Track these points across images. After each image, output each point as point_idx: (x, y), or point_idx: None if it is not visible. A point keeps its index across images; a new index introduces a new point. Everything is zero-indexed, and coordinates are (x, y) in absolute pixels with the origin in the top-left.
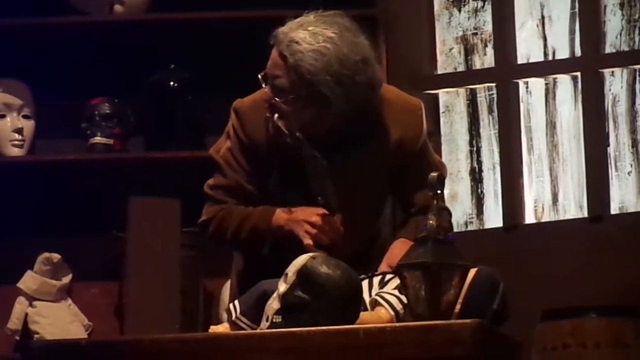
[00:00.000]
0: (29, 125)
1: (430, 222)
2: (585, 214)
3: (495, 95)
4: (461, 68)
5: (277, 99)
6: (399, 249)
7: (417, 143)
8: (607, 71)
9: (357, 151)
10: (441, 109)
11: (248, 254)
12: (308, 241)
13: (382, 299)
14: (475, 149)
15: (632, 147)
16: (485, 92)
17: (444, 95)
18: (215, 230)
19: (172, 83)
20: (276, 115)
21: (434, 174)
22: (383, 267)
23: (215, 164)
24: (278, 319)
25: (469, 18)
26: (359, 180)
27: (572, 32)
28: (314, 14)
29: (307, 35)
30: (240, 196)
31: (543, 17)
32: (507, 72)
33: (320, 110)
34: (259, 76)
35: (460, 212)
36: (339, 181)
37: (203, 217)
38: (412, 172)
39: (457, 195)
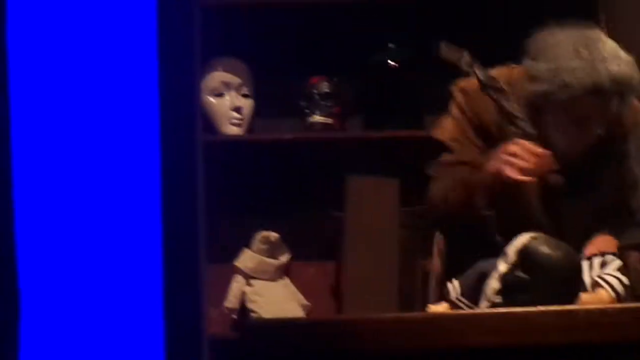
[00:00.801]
0: (247, 104)
1: None
2: None
3: None
4: None
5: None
6: (604, 239)
7: (631, 139)
8: None
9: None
10: None
11: (466, 219)
12: (509, 172)
13: (603, 280)
14: None
15: None
16: None
17: None
18: (438, 198)
19: (391, 63)
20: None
21: None
22: (591, 249)
23: (442, 144)
24: (498, 299)
25: None
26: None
27: None
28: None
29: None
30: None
31: None
32: None
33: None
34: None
35: None
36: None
37: (430, 192)
38: (622, 173)
39: None
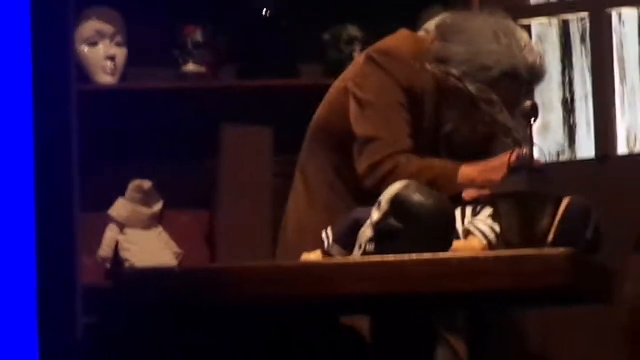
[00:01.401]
0: (121, 53)
1: (524, 151)
2: None
3: (588, 25)
4: None
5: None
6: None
7: None
8: None
9: None
10: (534, 39)
11: None
12: None
13: (475, 227)
14: (567, 79)
15: None
16: (578, 22)
17: (536, 25)
18: (387, 174)
19: (264, 11)
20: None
21: (528, 103)
22: (464, 195)
23: (368, 103)
24: (371, 247)
25: None
26: None
27: None
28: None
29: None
30: (405, 143)
31: None
32: (601, 2)
33: None
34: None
35: (553, 142)
36: None
37: (371, 159)
38: None
39: (549, 126)
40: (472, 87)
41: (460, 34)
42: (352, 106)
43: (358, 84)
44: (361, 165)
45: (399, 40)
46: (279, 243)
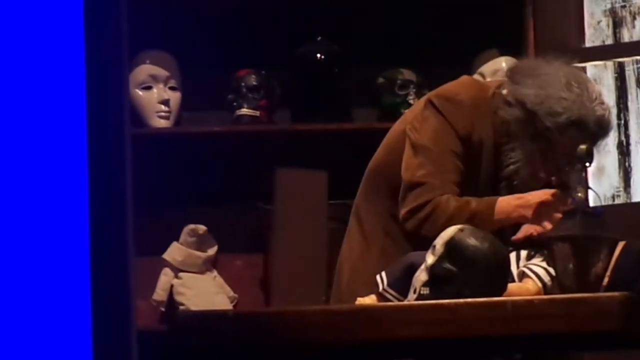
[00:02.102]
0: (175, 97)
1: (579, 195)
2: None
3: None
4: (609, 41)
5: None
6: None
7: None
8: None
9: None
10: None
11: None
12: (547, 225)
13: (530, 270)
14: (622, 122)
15: None
16: (633, 65)
17: (591, 68)
18: (426, 216)
19: (318, 55)
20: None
21: (583, 147)
22: (518, 236)
23: (422, 147)
24: (425, 290)
25: None
26: None
27: None
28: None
29: None
30: (450, 190)
31: None
32: None
33: None
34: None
35: (608, 185)
36: None
37: (413, 203)
38: None
39: (604, 169)
40: (539, 122)
41: (532, 78)
42: (407, 148)
43: (415, 127)
44: (403, 209)
45: (460, 86)
46: (334, 287)
